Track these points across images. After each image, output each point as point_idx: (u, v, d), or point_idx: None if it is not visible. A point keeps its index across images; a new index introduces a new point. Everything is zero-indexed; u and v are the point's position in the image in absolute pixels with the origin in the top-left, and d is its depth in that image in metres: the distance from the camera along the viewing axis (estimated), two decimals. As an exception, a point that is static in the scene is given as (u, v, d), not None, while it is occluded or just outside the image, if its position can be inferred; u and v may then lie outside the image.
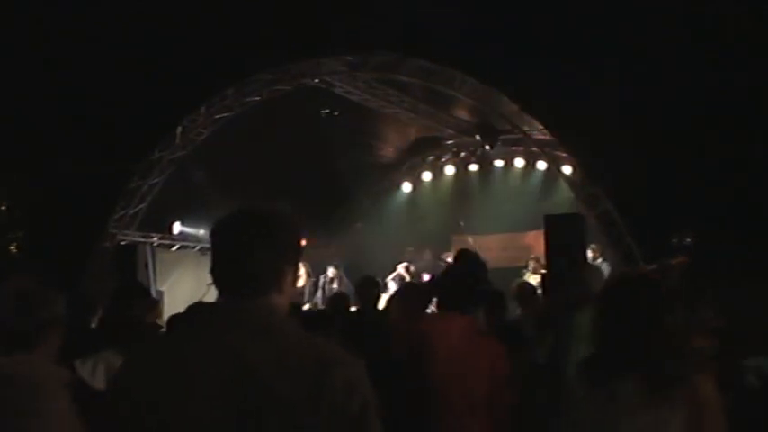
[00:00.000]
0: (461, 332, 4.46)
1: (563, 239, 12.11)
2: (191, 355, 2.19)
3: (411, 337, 4.78)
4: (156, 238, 17.19)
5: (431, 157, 20.59)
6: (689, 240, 10.39)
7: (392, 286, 15.07)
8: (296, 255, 2.41)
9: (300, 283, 15.51)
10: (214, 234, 2.37)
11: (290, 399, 2.09)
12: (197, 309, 5.45)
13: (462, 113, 18.02)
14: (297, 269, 2.49)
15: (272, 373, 2.12)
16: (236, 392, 2.10)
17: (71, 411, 3.22)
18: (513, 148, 18.60)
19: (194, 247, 17.63)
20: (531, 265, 15.87)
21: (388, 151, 20.27)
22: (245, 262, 2.28)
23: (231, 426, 2.09)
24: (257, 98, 15.67)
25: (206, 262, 2.38)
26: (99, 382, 4.30)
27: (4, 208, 15.66)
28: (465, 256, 5.05)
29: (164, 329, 6.47)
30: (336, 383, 2.14)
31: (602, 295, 3.39)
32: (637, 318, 3.07)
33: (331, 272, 16.26)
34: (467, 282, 4.67)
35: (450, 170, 20.28)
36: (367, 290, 7.60)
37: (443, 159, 20.46)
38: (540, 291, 11.29)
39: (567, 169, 15.30)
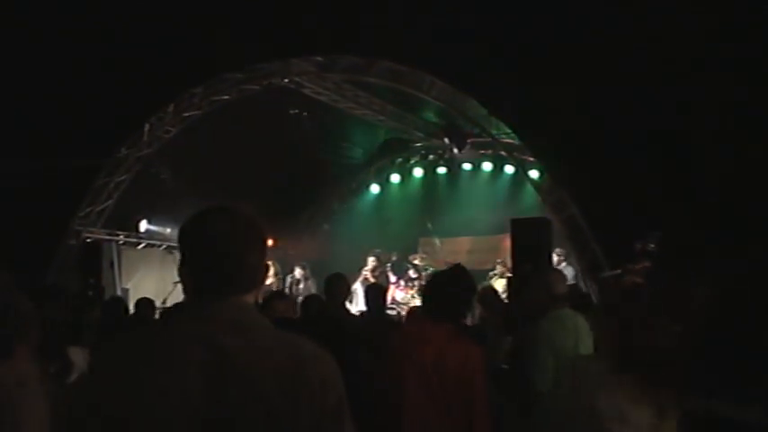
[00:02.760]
0: (440, 339, 4.55)
1: (529, 243, 12.18)
2: (170, 346, 2.18)
3: (389, 341, 4.87)
4: (121, 236, 17.11)
5: (399, 159, 20.64)
6: (652, 246, 10.47)
7: (359, 291, 15.12)
8: (267, 253, 2.43)
9: (269, 282, 15.51)
10: (198, 233, 2.33)
11: (268, 392, 2.12)
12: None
13: (431, 116, 18.10)
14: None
15: (251, 366, 2.14)
16: (215, 384, 2.11)
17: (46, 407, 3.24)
18: (482, 151, 18.69)
19: (160, 246, 17.54)
20: (498, 268, 15.98)
21: (357, 153, 20.30)
22: (243, 263, 2.31)
23: (209, 416, 2.09)
24: (226, 97, 15.61)
25: (172, 260, 2.38)
26: None
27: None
28: (455, 270, 5.15)
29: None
30: (312, 378, 2.19)
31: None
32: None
33: (298, 272, 16.23)
34: (458, 296, 4.79)
35: (418, 172, 20.34)
36: (335, 288, 7.50)
37: (412, 161, 20.53)
38: (505, 294, 11.37)
39: (533, 173, 15.38)
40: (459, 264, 5.16)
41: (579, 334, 5.47)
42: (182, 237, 2.35)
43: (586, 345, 5.38)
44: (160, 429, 2.10)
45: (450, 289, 4.80)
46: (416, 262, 16.89)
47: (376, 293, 8.23)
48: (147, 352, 2.21)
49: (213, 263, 2.29)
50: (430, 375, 4.41)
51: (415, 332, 4.74)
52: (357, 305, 13.65)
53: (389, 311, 13.05)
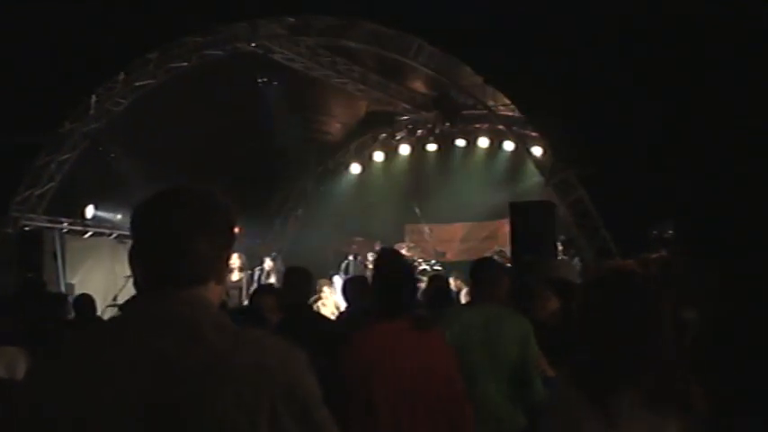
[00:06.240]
0: (391, 337, 4.60)
1: (531, 230, 12.22)
2: (110, 360, 2.10)
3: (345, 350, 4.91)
4: (65, 224, 17.04)
5: (383, 135, 20.69)
6: (670, 233, 10.52)
7: (337, 281, 15.15)
8: (232, 240, 2.35)
9: (235, 277, 15.48)
10: (142, 217, 2.26)
11: (221, 401, 2.06)
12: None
13: (419, 86, 18.09)
14: (230, 256, 2.44)
15: (202, 372, 2.08)
16: (160, 392, 2.05)
17: None
18: (477, 125, 18.75)
19: (110, 235, 17.49)
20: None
21: (335, 127, 20.31)
22: (185, 249, 2.21)
23: (154, 428, 2.04)
24: (184, 64, 15.58)
25: (123, 251, 2.26)
26: None
27: None
28: (385, 258, 5.13)
29: None
30: (278, 383, 2.13)
31: (586, 295, 3.32)
32: (630, 321, 3.04)
33: (268, 264, 16.22)
34: (394, 287, 4.80)
35: (404, 150, 20.40)
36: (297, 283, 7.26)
37: (397, 137, 20.57)
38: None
39: (536, 150, 15.39)
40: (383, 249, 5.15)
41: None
42: (132, 222, 2.27)
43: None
44: None
45: (397, 277, 4.84)
46: (403, 252, 16.91)
47: (355, 287, 8.16)
48: (86, 358, 2.14)
49: (160, 251, 2.23)
50: (402, 368, 4.46)
51: (376, 328, 4.79)
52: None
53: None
